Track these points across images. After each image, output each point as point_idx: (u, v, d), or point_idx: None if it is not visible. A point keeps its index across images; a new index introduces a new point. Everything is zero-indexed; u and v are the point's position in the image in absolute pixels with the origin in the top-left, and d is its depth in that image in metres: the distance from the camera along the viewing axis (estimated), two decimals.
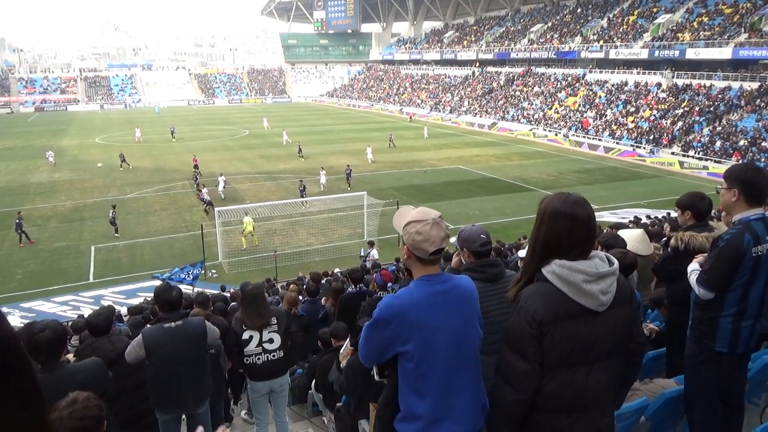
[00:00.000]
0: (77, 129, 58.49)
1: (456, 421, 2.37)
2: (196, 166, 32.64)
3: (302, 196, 25.80)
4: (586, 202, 2.28)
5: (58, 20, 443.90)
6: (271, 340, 5.33)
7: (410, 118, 65.60)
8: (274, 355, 5.36)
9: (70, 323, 10.82)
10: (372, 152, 37.19)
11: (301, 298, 9.30)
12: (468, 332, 2.40)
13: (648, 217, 19.34)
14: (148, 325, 5.52)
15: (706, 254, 3.47)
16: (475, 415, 2.43)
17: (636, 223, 15.67)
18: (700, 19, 47.89)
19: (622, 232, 5.52)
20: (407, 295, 2.35)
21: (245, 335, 5.25)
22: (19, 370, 0.90)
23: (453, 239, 4.59)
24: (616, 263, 2.29)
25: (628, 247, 5.07)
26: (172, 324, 4.56)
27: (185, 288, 13.37)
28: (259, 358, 5.29)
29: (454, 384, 2.37)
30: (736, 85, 41.40)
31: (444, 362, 2.34)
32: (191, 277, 16.52)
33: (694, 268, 3.47)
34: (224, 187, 28.20)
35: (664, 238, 6.84)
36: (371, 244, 18.50)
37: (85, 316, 7.82)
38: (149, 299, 14.31)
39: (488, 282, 3.07)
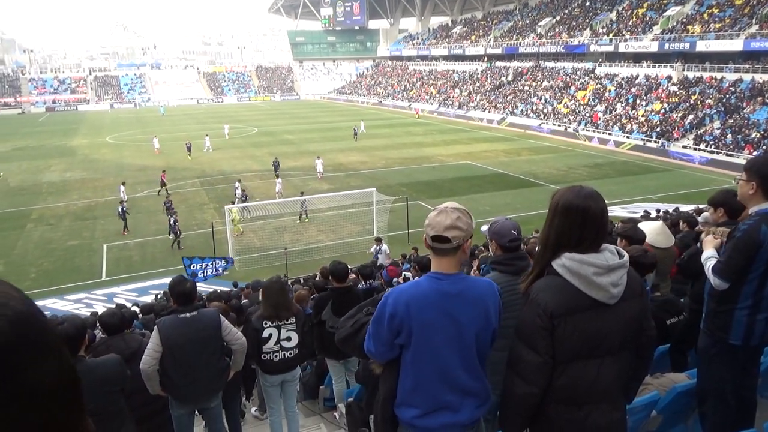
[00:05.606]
0: (88, 128, 58.89)
1: (454, 412, 2.36)
2: (163, 183, 28.52)
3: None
4: (599, 196, 2.27)
5: (68, 21, 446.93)
6: (288, 338, 5.39)
7: (417, 114, 65.56)
8: (291, 353, 5.42)
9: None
10: (322, 164, 32.42)
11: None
12: (474, 330, 2.34)
13: (657, 211, 19.19)
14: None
15: (719, 240, 3.46)
16: (473, 407, 2.41)
17: (646, 217, 15.53)
18: (710, 10, 47.36)
19: (641, 225, 5.47)
20: (413, 289, 2.33)
21: (265, 333, 5.29)
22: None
23: (484, 228, 4.53)
24: (626, 256, 2.28)
25: (647, 240, 5.03)
26: (187, 315, 4.51)
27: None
28: (276, 355, 5.36)
29: (453, 377, 2.35)
30: (747, 77, 40.93)
31: (443, 357, 2.32)
32: (213, 270, 16.64)
33: (709, 255, 3.44)
34: (242, 194, 25.59)
35: (680, 234, 6.77)
36: (378, 240, 18.51)
37: (99, 313, 7.87)
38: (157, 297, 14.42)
39: (516, 275, 3.10)
